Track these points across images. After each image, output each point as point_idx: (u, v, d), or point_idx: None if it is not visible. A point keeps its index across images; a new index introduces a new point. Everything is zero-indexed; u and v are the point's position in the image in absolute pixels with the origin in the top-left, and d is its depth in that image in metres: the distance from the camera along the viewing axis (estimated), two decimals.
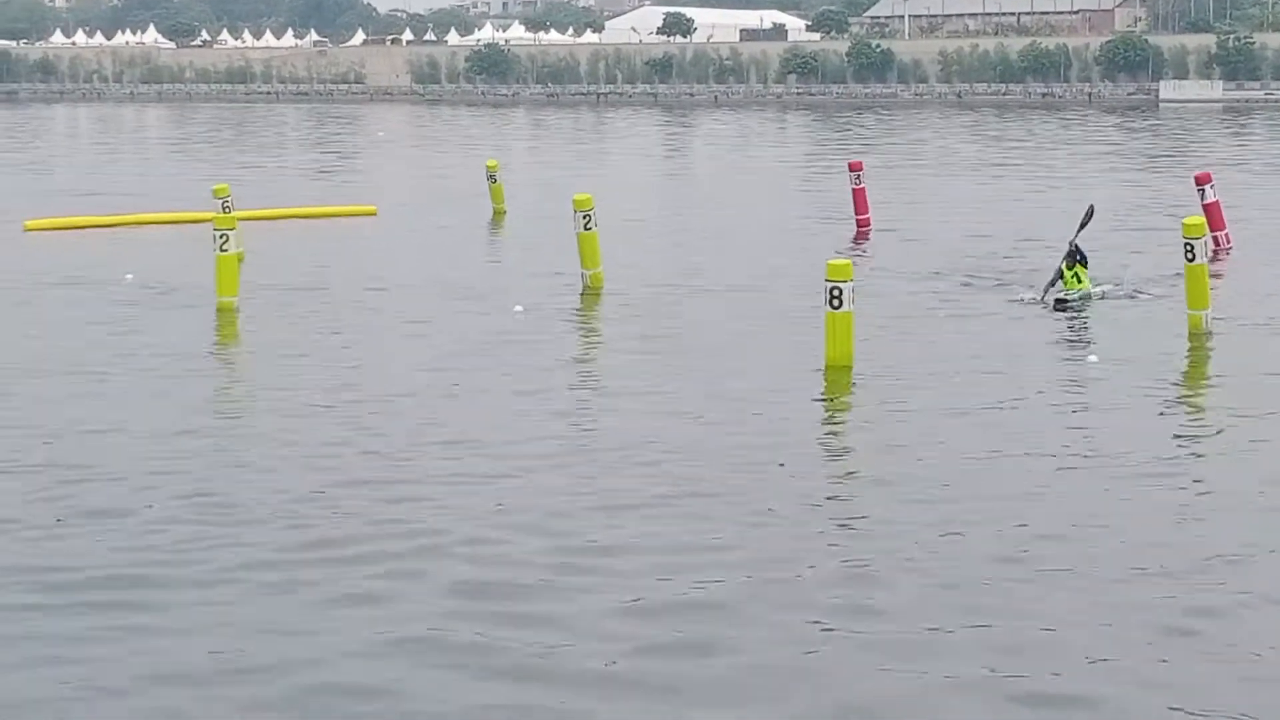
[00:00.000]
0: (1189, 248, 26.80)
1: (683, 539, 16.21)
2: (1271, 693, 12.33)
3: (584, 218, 32.62)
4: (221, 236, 30.55)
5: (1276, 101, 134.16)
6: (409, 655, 13.22)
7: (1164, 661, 13.04)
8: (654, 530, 16.49)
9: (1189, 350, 26.10)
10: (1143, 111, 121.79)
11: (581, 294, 32.39)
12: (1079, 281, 30.22)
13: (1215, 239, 37.12)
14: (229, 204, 40.68)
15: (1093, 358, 25.31)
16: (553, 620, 13.91)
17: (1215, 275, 33.37)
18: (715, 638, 13.54)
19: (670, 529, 16.53)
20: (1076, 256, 30.44)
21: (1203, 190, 38.04)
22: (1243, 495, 17.61)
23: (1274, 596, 14.34)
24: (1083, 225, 31.11)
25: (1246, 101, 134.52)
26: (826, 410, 22.75)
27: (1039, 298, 30.25)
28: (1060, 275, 30.37)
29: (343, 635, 13.64)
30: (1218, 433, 21.04)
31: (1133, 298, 30.62)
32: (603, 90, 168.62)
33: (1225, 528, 16.46)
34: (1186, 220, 27.63)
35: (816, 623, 13.89)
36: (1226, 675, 12.72)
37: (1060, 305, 29.61)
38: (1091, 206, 32.31)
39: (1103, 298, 30.34)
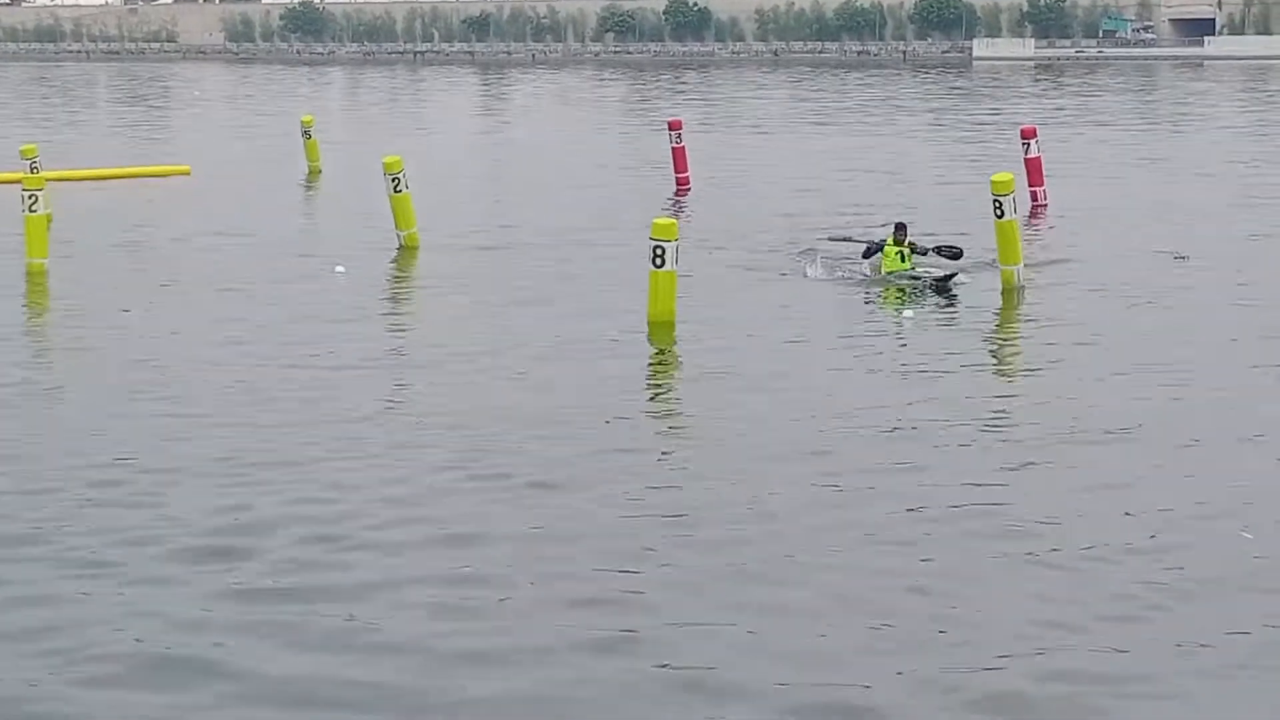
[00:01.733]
0: (998, 204, 27.11)
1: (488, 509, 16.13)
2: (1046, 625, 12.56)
3: (394, 180, 32.46)
4: (30, 197, 29.99)
5: (1087, 59, 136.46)
6: (233, 620, 13.05)
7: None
8: (455, 494, 16.31)
9: (999, 306, 26.42)
10: (957, 69, 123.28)
11: (398, 253, 32.17)
12: (901, 261, 28.15)
13: (1034, 194, 37.65)
14: (37, 164, 39.94)
15: (908, 313, 25.58)
16: (356, 590, 13.74)
17: (1033, 231, 33.97)
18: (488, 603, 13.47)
19: (484, 495, 16.44)
20: (914, 247, 28.31)
21: (1027, 144, 38.49)
22: (1030, 442, 17.89)
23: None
24: (942, 253, 28.55)
25: (1058, 59, 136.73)
26: (650, 368, 22.77)
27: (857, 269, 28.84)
28: (879, 248, 28.46)
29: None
30: (1014, 383, 21.40)
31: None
32: (419, 49, 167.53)
33: (1001, 476, 16.76)
34: (995, 177, 27.86)
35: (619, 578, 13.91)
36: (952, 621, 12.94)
37: (940, 286, 27.44)
38: (960, 251, 29.01)
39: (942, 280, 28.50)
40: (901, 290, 27.39)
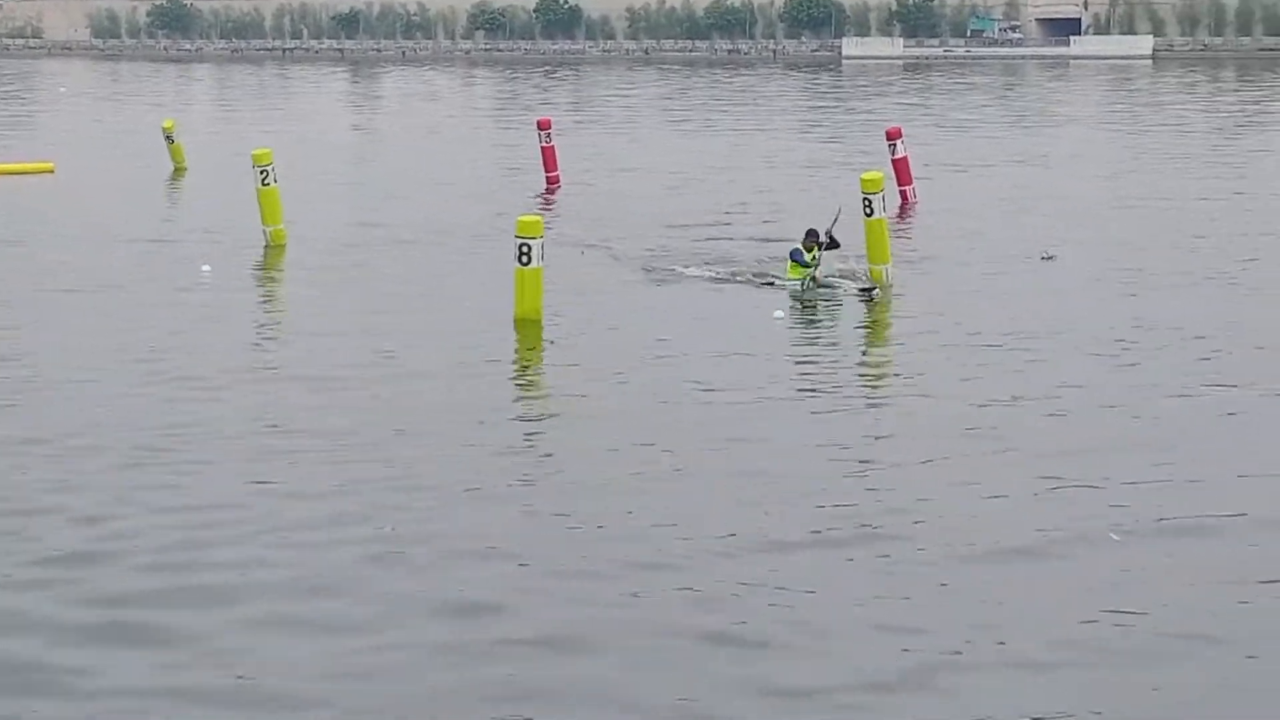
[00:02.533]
0: (867, 202, 27.26)
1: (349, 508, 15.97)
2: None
3: (262, 173, 32.13)
4: None
5: (955, 58, 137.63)
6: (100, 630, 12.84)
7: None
8: (311, 498, 16.15)
9: (869, 304, 26.48)
10: (827, 68, 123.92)
11: (265, 250, 31.86)
12: (805, 267, 27.28)
13: (903, 194, 37.88)
14: None
15: (778, 313, 25.60)
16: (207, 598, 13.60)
17: (903, 230, 34.16)
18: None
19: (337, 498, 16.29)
20: (825, 244, 27.50)
21: (893, 145, 38.72)
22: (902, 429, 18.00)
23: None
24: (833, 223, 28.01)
25: (926, 58, 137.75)
26: (515, 365, 22.68)
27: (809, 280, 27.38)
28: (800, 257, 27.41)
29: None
30: (880, 380, 21.51)
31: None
32: (288, 46, 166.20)
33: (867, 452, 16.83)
34: (864, 175, 28.04)
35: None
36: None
37: (865, 295, 26.79)
38: (839, 207, 28.71)
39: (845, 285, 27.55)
40: (805, 299, 26.77)
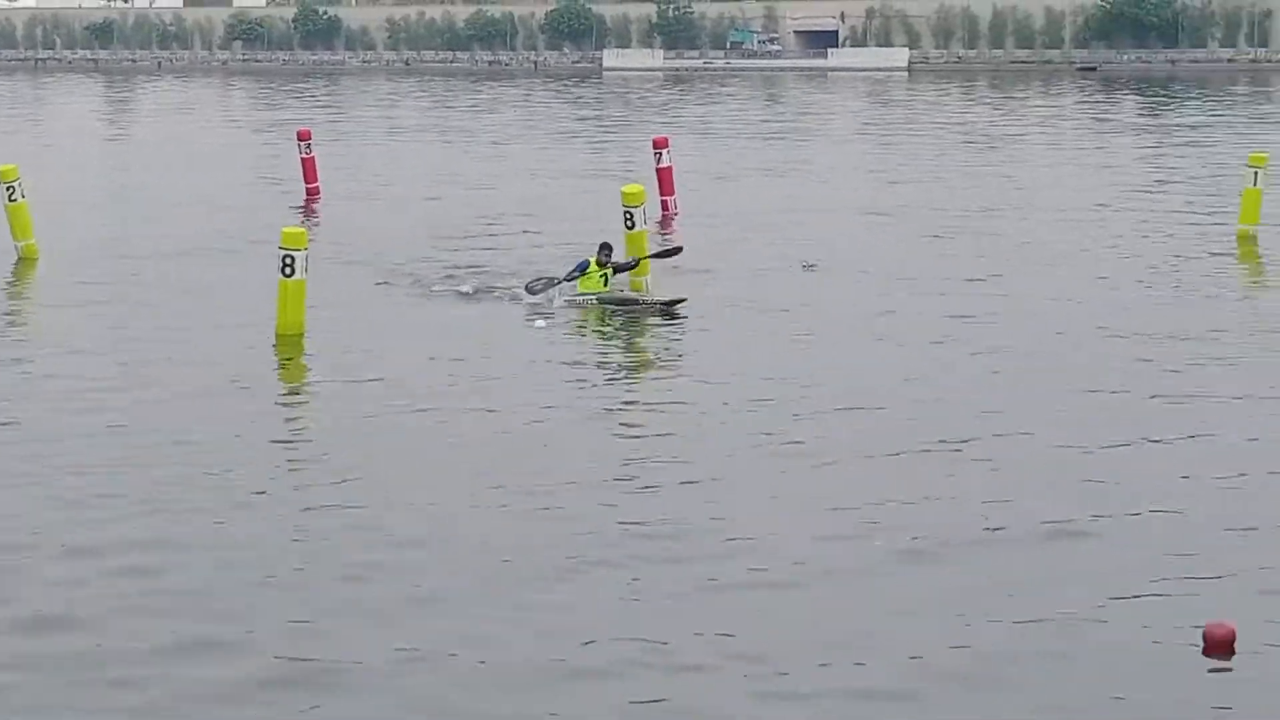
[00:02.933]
0: (628, 215, 27.30)
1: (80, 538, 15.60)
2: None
3: (9, 189, 31.38)
4: None
5: (715, 70, 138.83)
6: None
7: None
8: (70, 511, 15.78)
9: (630, 315, 26.44)
10: (588, 79, 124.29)
11: (15, 266, 31.05)
12: (604, 284, 26.90)
13: (665, 204, 37.99)
14: None
15: (540, 323, 25.47)
16: None
17: (665, 241, 34.25)
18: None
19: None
20: (617, 267, 27.12)
21: (659, 154, 38.82)
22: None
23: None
24: (661, 255, 28.26)
25: (687, 70, 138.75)
26: (276, 380, 22.34)
27: (543, 293, 27.12)
28: (582, 270, 26.93)
29: None
30: (637, 391, 21.55)
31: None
32: (41, 56, 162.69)
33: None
34: (625, 188, 28.09)
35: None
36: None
37: (668, 308, 26.26)
38: (679, 248, 29.20)
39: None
40: (603, 312, 26.30)
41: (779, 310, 26.61)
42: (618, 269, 26.96)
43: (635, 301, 26.62)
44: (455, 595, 13.68)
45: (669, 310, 26.05)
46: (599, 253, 26.95)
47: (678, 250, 29.12)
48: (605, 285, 26.76)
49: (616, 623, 13.08)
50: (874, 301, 27.24)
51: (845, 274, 30.05)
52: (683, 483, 16.88)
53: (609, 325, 25.68)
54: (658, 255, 28.04)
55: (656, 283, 27.85)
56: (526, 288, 27.34)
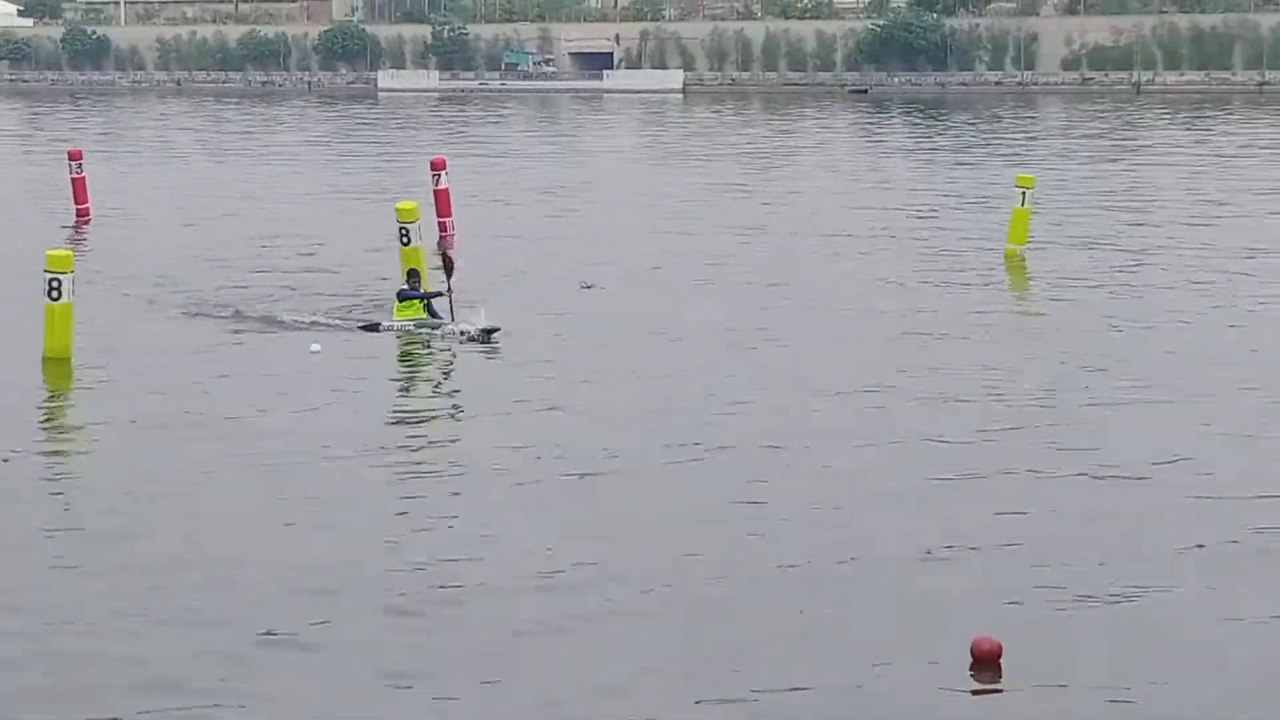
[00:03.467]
0: (404, 232, 27.10)
1: None
2: None
3: None
4: None
5: (491, 92, 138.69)
6: None
7: None
8: None
9: (402, 336, 26.19)
10: (363, 100, 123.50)
11: None
12: (421, 309, 26.27)
13: (442, 225, 37.72)
14: None
15: (315, 346, 25.14)
16: None
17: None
18: None
19: None
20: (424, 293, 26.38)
21: (437, 176, 38.60)
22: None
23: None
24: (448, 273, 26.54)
25: (462, 90, 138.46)
26: (40, 406, 21.84)
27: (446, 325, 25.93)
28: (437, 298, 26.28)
29: None
30: (410, 413, 21.44)
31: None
32: None
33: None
34: (399, 205, 27.87)
35: None
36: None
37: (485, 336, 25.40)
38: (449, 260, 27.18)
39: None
40: (419, 340, 25.58)
41: (559, 332, 26.55)
42: (426, 296, 26.18)
43: (453, 331, 25.70)
44: (218, 617, 13.46)
45: (485, 338, 25.26)
46: (409, 279, 26.42)
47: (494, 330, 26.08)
48: (424, 312, 26.04)
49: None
50: (653, 319, 27.32)
51: (624, 294, 30.12)
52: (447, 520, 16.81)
53: (414, 351, 25.29)
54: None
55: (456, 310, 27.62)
56: (363, 327, 26.38)
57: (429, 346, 25.33)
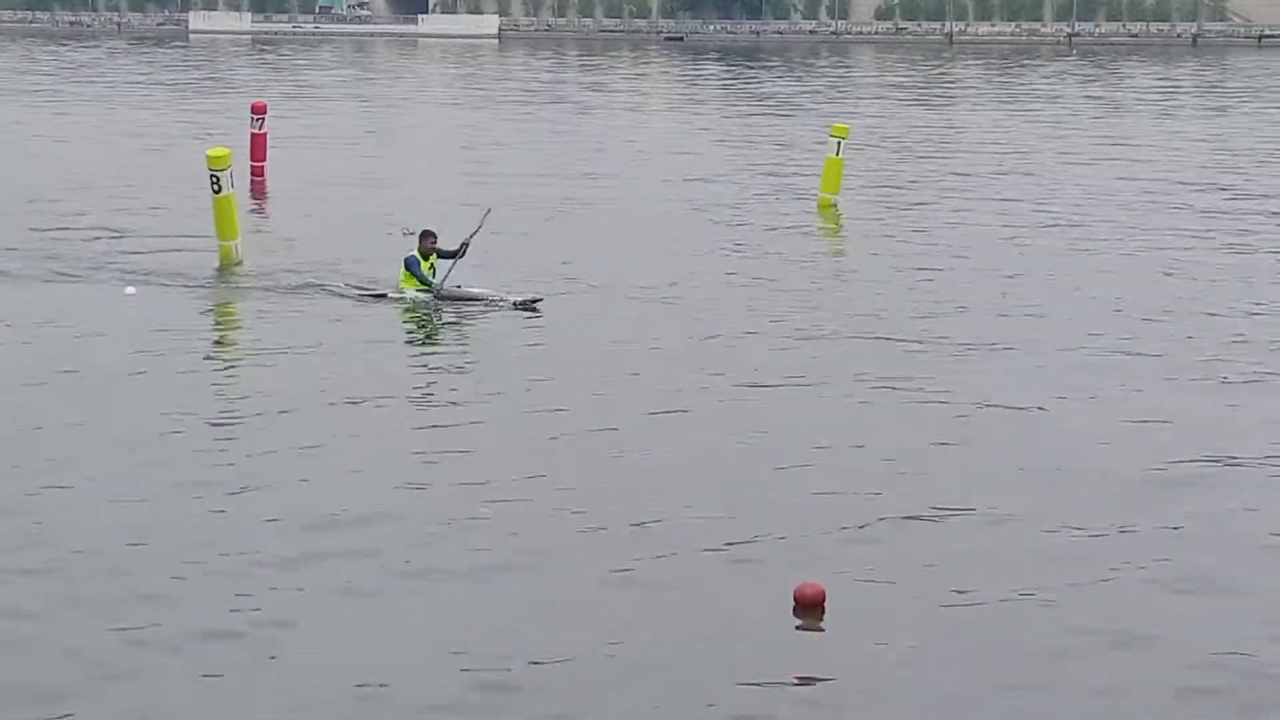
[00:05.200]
0: (215, 179, 26.62)
1: None
2: None
3: None
4: None
5: (304, 34, 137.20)
6: None
7: None
8: None
9: (215, 277, 25.93)
10: (174, 42, 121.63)
11: None
12: (433, 275, 24.30)
13: (259, 169, 37.28)
14: None
15: (130, 289, 24.75)
16: None
17: (256, 207, 33.86)
18: None
19: None
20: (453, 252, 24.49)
21: (257, 120, 38.06)
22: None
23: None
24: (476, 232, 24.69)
25: (275, 33, 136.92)
26: None
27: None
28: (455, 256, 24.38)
29: None
30: (237, 362, 21.29)
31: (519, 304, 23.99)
32: None
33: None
34: (211, 151, 27.22)
35: None
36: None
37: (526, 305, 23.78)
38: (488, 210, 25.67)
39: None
40: (428, 310, 23.75)
41: (369, 276, 26.14)
42: (442, 255, 24.41)
43: (480, 299, 23.97)
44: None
45: (527, 307, 23.67)
46: (422, 240, 24.57)
47: (537, 300, 24.22)
48: (433, 276, 24.25)
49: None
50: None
51: (441, 239, 29.92)
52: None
53: (190, 290, 24.89)
54: (453, 254, 24.54)
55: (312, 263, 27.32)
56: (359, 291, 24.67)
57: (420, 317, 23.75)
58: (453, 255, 24.41)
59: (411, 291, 24.24)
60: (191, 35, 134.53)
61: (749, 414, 18.44)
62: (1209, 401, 19.19)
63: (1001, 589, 13.13)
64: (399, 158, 45.00)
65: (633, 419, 18.23)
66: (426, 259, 24.37)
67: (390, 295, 24.33)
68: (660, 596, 13.09)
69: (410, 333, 22.96)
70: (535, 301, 23.93)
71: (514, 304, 23.79)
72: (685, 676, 11.65)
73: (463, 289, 24.25)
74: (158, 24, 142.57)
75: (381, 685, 11.35)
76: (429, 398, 19.00)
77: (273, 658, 11.74)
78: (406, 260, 24.43)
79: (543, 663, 11.79)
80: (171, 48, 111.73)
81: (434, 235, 24.67)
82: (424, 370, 20.61)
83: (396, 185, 38.43)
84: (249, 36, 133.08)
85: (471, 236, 24.51)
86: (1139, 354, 21.50)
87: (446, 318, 23.39)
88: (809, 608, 12.57)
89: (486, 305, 23.91)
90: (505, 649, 11.98)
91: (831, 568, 13.32)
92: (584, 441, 17.26)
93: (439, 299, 24.05)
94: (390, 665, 11.65)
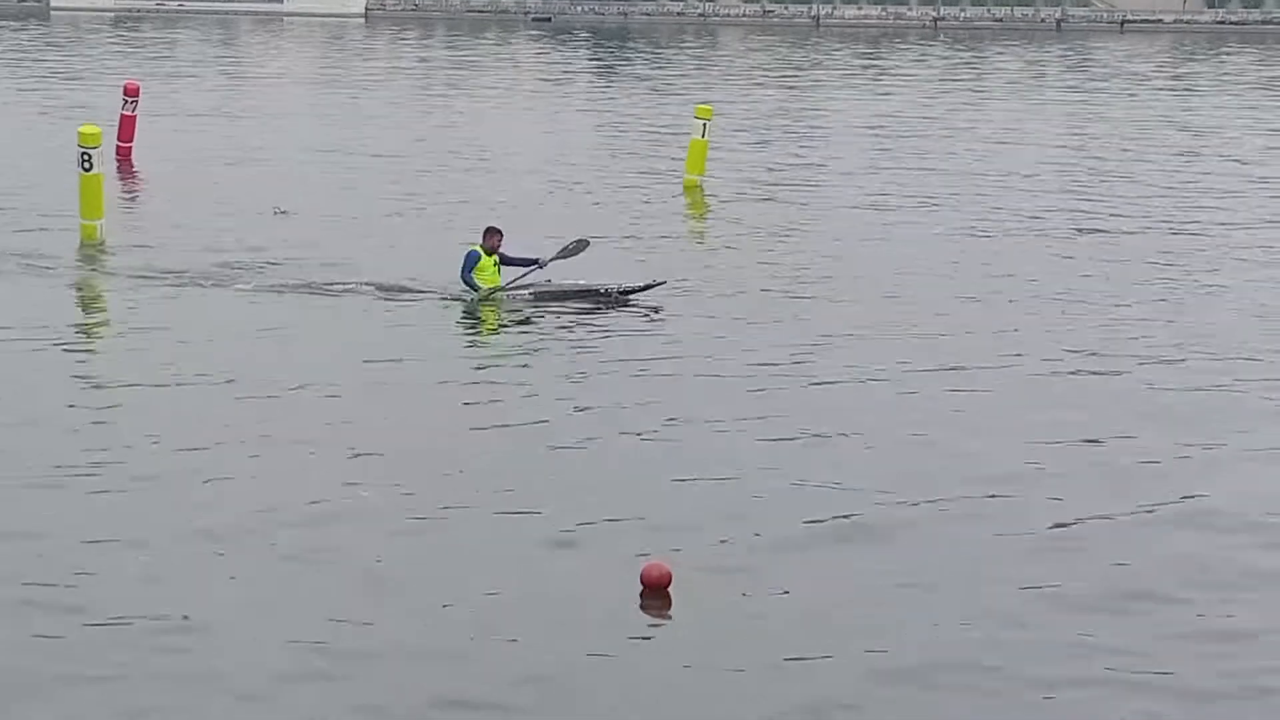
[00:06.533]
0: (85, 157, 26.53)
1: None
2: None
3: None
4: None
5: (168, 12, 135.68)
6: None
7: None
8: None
9: (77, 260, 25.71)
10: (35, 18, 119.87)
11: None
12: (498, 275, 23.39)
13: (126, 149, 36.91)
14: None
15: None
16: None
17: (126, 187, 33.67)
18: None
19: None
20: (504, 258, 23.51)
21: (130, 101, 37.70)
22: None
23: None
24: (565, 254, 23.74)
25: (138, 10, 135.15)
26: None
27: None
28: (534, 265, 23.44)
29: None
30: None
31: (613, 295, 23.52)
32: None
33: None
34: (82, 129, 27.19)
35: None
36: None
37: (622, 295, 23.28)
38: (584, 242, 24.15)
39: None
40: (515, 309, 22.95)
41: (273, 260, 25.87)
42: (508, 260, 23.38)
43: (595, 291, 23.22)
44: None
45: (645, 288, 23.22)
46: (485, 238, 23.50)
47: (659, 284, 23.81)
48: (498, 276, 23.34)
49: None
50: (339, 248, 27.17)
51: (315, 219, 29.88)
52: None
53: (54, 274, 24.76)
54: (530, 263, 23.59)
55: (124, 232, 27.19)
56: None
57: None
58: (525, 263, 23.26)
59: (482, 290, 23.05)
60: (53, 13, 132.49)
61: (587, 390, 18.67)
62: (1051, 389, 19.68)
63: (843, 567, 13.49)
64: (265, 137, 44.71)
65: (475, 393, 18.44)
66: (490, 256, 23.23)
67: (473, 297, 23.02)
68: (496, 580, 13.16)
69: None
70: (650, 287, 23.19)
71: (619, 292, 22.96)
72: (535, 660, 11.82)
73: (553, 284, 23.12)
74: (18, 1, 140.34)
75: None
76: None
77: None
78: (468, 256, 23.20)
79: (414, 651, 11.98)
80: (32, 24, 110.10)
81: (500, 234, 23.45)
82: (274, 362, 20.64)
83: (263, 164, 38.26)
84: (111, 14, 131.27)
85: (555, 259, 23.36)
86: (996, 332, 22.01)
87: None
88: (655, 588, 12.66)
89: (593, 298, 22.98)
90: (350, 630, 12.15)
91: (679, 549, 13.45)
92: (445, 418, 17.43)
93: (538, 297, 22.97)
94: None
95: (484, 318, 22.65)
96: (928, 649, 11.95)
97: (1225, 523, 14.76)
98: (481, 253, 23.28)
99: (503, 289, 23.12)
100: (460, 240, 28.40)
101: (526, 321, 22.17)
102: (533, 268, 23.26)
